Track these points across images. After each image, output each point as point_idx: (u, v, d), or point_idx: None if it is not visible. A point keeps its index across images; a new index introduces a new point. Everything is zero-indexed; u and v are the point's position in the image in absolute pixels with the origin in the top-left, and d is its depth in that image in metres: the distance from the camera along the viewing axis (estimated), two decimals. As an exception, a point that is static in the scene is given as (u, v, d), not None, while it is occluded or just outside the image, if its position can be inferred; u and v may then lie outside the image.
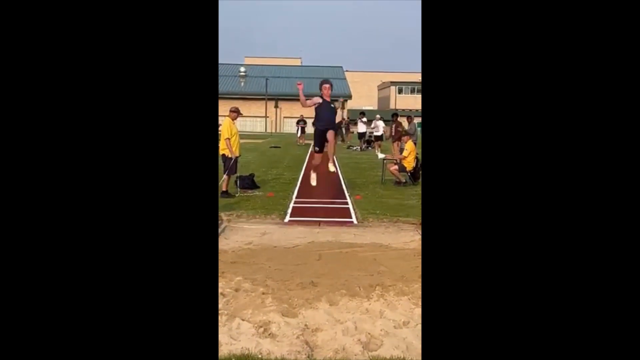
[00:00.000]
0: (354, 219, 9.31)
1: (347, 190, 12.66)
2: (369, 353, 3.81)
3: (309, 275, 5.78)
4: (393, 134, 19.06)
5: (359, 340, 4.03)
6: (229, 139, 11.10)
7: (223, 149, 11.16)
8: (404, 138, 14.48)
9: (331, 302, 4.85)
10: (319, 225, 8.80)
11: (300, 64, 72.20)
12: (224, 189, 11.06)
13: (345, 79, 60.30)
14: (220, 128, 11.10)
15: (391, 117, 20.18)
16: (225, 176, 11.12)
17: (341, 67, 64.53)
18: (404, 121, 19.46)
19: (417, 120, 19.41)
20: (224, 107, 11.38)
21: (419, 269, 6.20)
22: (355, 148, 27.87)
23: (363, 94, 72.71)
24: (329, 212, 9.84)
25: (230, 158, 11.15)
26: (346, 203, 10.91)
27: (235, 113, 11.45)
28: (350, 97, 56.59)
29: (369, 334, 4.14)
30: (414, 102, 67.79)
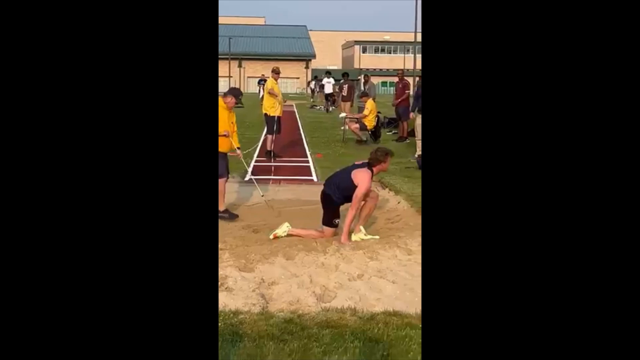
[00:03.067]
0: (314, 177, 9.38)
1: (308, 148, 12.69)
2: (322, 304, 3.90)
3: (267, 232, 5.85)
4: (344, 93, 18.92)
5: (314, 292, 4.11)
6: (273, 92, 11.04)
7: (265, 107, 11.19)
8: (363, 98, 14.45)
9: (288, 257, 4.91)
10: (280, 183, 8.84)
11: (264, 24, 71.06)
12: (268, 149, 11.14)
13: (309, 38, 59.64)
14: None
15: (342, 77, 20.05)
16: (268, 136, 11.18)
17: (305, 26, 63.75)
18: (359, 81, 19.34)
19: (380, 79, 19.38)
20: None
21: (376, 224, 6.33)
22: (319, 108, 27.77)
23: (327, 54, 72.06)
24: (289, 171, 9.89)
25: (272, 117, 11.08)
26: (307, 162, 10.96)
27: (276, 74, 11.46)
28: (314, 56, 56.10)
29: (324, 286, 4.23)
30: (378, 61, 67.53)
